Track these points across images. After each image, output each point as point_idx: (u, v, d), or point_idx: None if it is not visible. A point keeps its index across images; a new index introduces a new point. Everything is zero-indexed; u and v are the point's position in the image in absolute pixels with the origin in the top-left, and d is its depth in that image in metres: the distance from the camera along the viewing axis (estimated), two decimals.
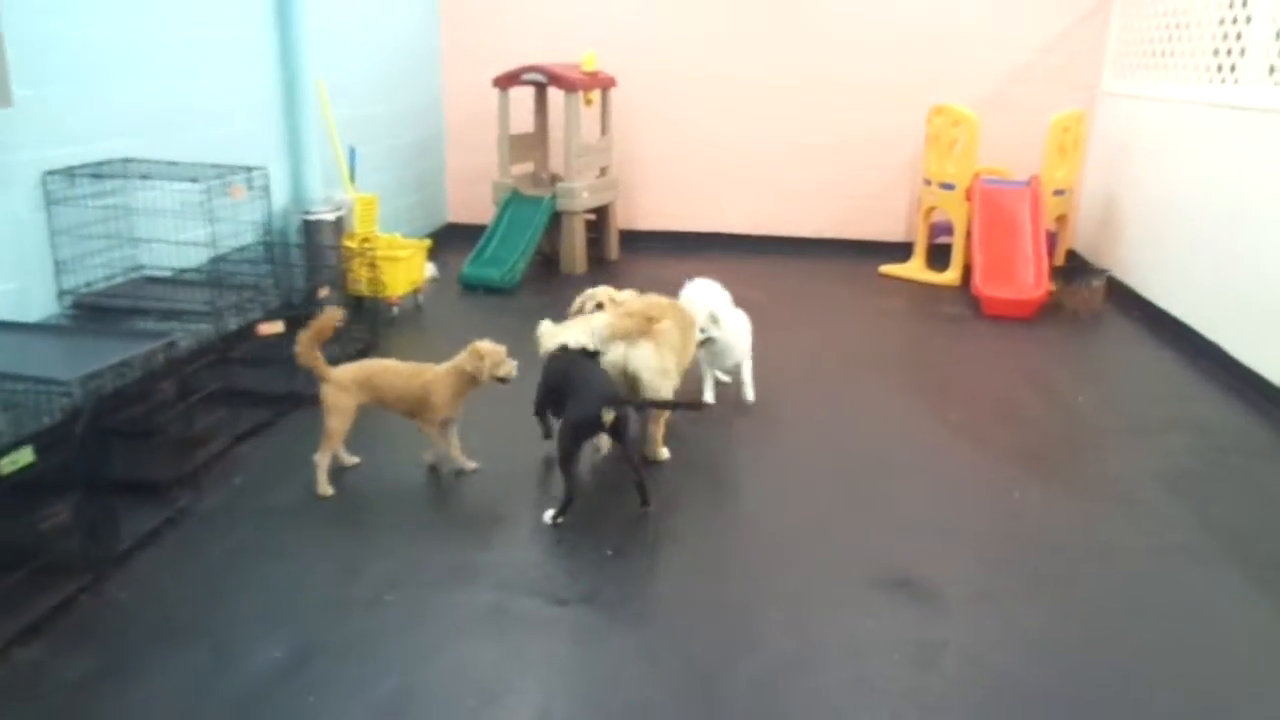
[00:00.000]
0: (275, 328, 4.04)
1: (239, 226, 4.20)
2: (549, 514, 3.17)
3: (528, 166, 7.04)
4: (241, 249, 4.31)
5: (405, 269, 5.48)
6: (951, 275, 6.50)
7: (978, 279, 5.95)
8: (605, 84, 6.79)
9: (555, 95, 6.72)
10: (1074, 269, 6.32)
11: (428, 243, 5.79)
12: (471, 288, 6.20)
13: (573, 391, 3.27)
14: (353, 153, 5.77)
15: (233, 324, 3.98)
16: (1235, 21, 5.09)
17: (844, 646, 2.57)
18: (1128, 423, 4.23)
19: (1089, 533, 3.23)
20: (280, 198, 5.07)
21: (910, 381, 4.68)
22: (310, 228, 5.10)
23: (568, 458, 3.18)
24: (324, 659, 2.46)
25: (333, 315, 3.32)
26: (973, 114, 6.22)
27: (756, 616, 2.70)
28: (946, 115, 6.40)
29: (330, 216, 5.14)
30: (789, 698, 2.36)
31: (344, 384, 3.33)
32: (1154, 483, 3.61)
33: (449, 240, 7.22)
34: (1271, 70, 4.70)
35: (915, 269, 6.75)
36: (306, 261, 5.08)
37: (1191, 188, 5.39)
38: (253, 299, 4.18)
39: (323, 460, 3.34)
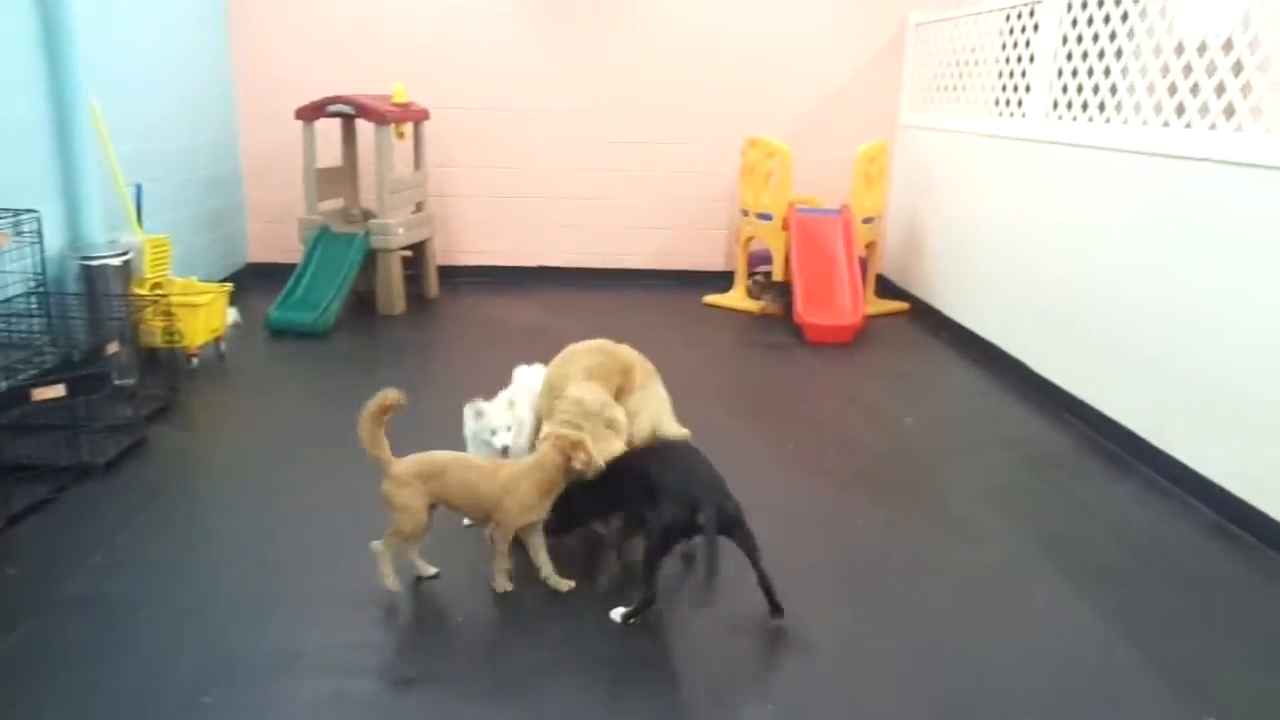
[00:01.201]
0: (53, 391, 3.56)
1: (5, 278, 3.71)
2: (619, 612, 2.78)
3: (337, 202, 6.68)
4: (7, 301, 3.80)
5: (205, 316, 5.03)
6: (774, 305, 6.63)
7: (799, 307, 6.09)
8: (417, 116, 6.54)
9: (364, 128, 6.42)
10: (768, 283, 6.66)
11: (229, 287, 5.34)
12: (280, 333, 5.77)
13: (664, 484, 2.78)
14: (139, 190, 5.27)
15: (1, 387, 3.50)
16: (1020, 60, 5.47)
17: (711, 700, 2.47)
18: (951, 442, 4.40)
19: (930, 554, 3.29)
20: (55, 242, 4.53)
21: (744, 412, 4.70)
22: (92, 274, 4.58)
23: (653, 565, 2.73)
24: None
25: (390, 396, 2.88)
26: (785, 146, 6.39)
27: (621, 675, 2.56)
28: (760, 148, 6.55)
29: (115, 261, 4.64)
30: None
31: (404, 479, 2.86)
32: (981, 500, 3.74)
33: (252, 282, 6.73)
34: (1055, 105, 5.07)
35: (737, 298, 6.85)
36: (89, 313, 4.56)
37: (987, 214, 5.74)
38: (25, 359, 3.69)
39: (386, 552, 2.88)
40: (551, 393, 3.30)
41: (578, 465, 2.82)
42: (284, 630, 2.69)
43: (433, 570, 2.99)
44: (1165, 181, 4.03)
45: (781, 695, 2.50)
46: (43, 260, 4.15)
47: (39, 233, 3.78)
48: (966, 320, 5.96)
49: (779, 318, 6.50)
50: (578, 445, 2.84)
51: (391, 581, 2.88)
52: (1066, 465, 4.13)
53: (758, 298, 6.68)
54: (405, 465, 2.89)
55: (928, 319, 6.48)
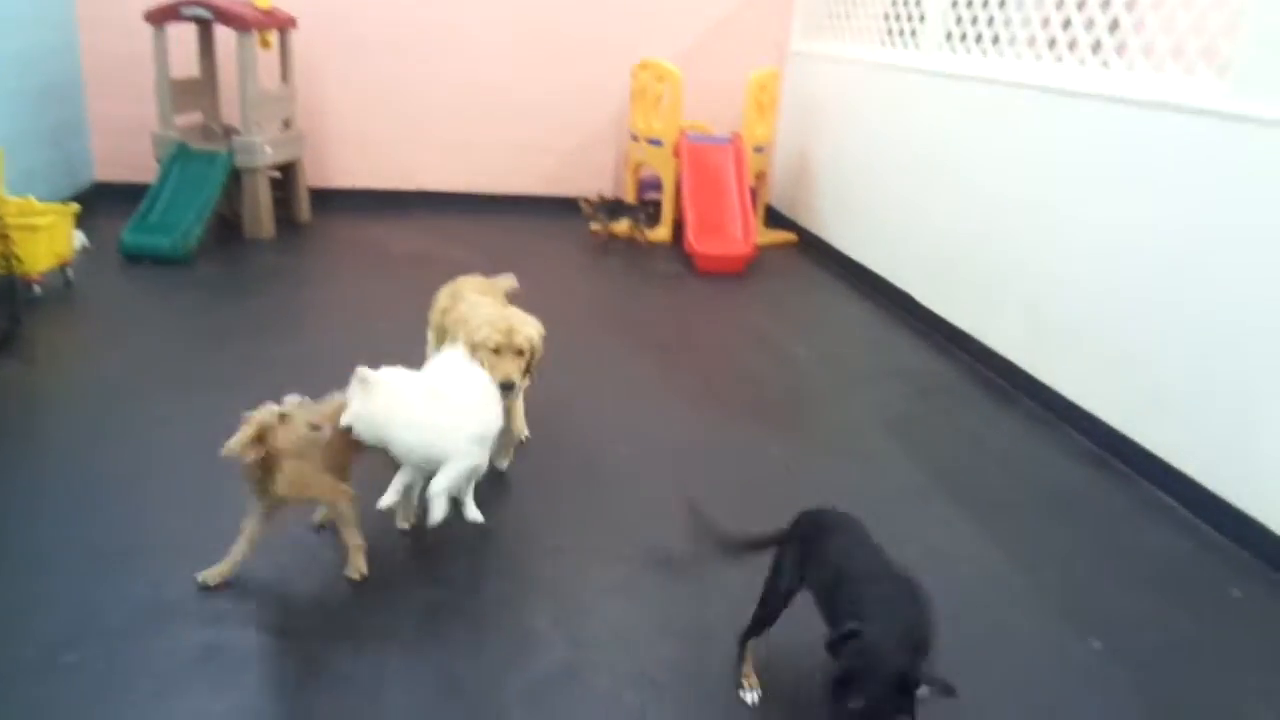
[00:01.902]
0: None
1: None
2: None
3: (195, 117, 6.16)
4: None
5: (47, 239, 4.56)
6: (663, 232, 6.52)
7: (690, 236, 6.00)
8: (284, 23, 6.05)
9: (225, 35, 5.89)
10: (616, 206, 6.56)
11: (74, 207, 4.86)
12: (135, 258, 5.32)
13: (860, 609, 1.89)
14: None
15: None
16: None
17: (616, 636, 2.40)
18: (844, 374, 4.42)
19: (833, 485, 3.30)
20: None
21: (638, 344, 4.60)
22: None
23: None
24: None
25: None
26: (676, 69, 6.22)
27: (520, 615, 2.46)
28: (651, 70, 6.36)
29: None
30: (566, 706, 2.15)
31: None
32: (876, 431, 3.77)
33: (100, 204, 6.17)
34: (949, 37, 5.06)
35: (626, 225, 6.70)
36: None
37: (876, 146, 5.74)
38: None
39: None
40: (445, 314, 3.15)
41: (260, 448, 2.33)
42: (148, 580, 2.47)
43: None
44: (1055, 118, 4.07)
45: (686, 630, 2.45)
46: None
47: None
48: (854, 253, 5.99)
49: (613, 239, 6.44)
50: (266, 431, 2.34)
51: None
52: (955, 396, 4.21)
53: (591, 217, 6.52)
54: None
55: (816, 251, 6.50)
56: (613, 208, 6.49)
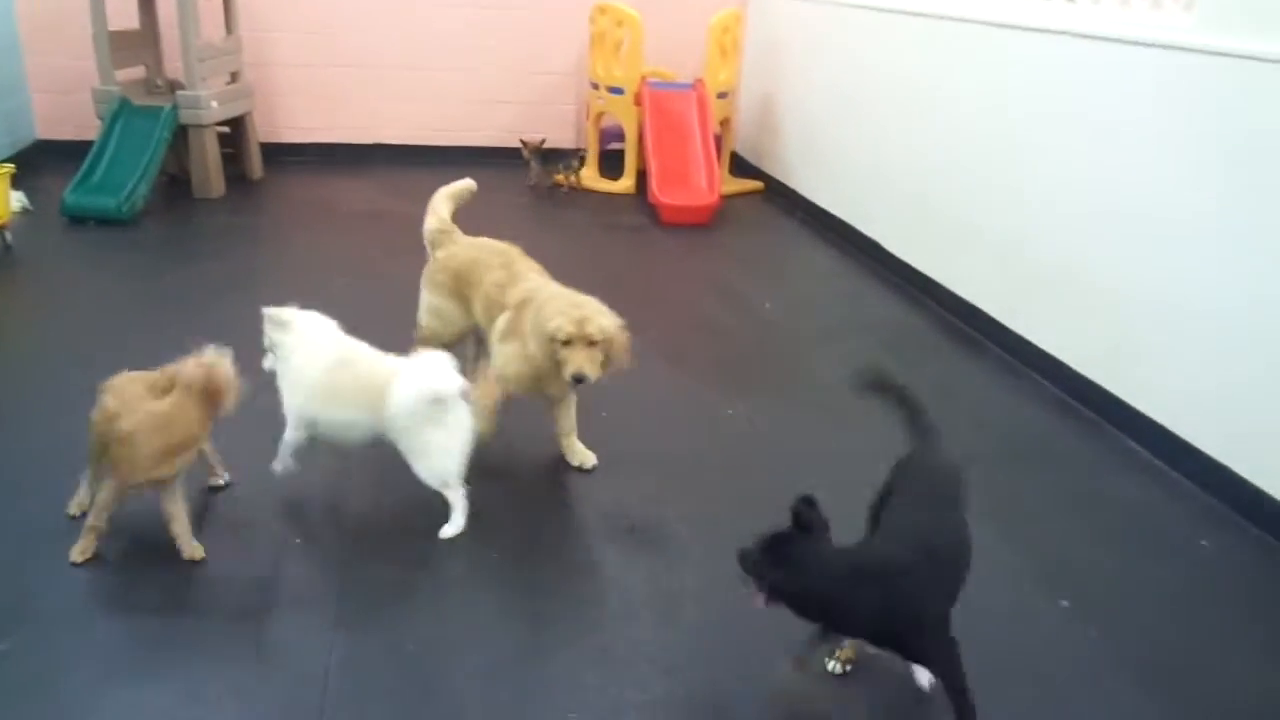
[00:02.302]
0: None
1: None
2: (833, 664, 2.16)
3: (138, 71, 5.91)
4: None
5: None
6: (626, 183, 6.38)
7: (654, 187, 5.86)
8: None
9: None
10: (550, 151, 6.47)
11: (9, 168, 4.65)
12: (79, 220, 5.11)
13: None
14: None
15: None
16: None
17: (579, 613, 2.34)
18: (812, 326, 4.34)
19: (799, 442, 3.24)
20: None
21: (602, 298, 4.48)
22: None
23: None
24: None
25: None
26: (635, 13, 6.03)
27: (480, 591, 2.39)
28: (610, 15, 6.16)
29: None
30: (527, 683, 2.09)
31: None
32: (845, 385, 3.70)
33: (42, 163, 5.93)
34: None
35: (589, 177, 6.55)
36: None
37: (840, 89, 5.61)
38: None
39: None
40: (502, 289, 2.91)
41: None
42: (92, 563, 2.36)
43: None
44: (1024, 55, 3.97)
45: (655, 600, 2.39)
46: None
47: None
48: (821, 200, 5.88)
49: (555, 187, 6.35)
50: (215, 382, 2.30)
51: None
52: (925, 346, 4.15)
53: (526, 162, 6.43)
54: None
55: (783, 198, 6.38)
56: (545, 155, 6.39)
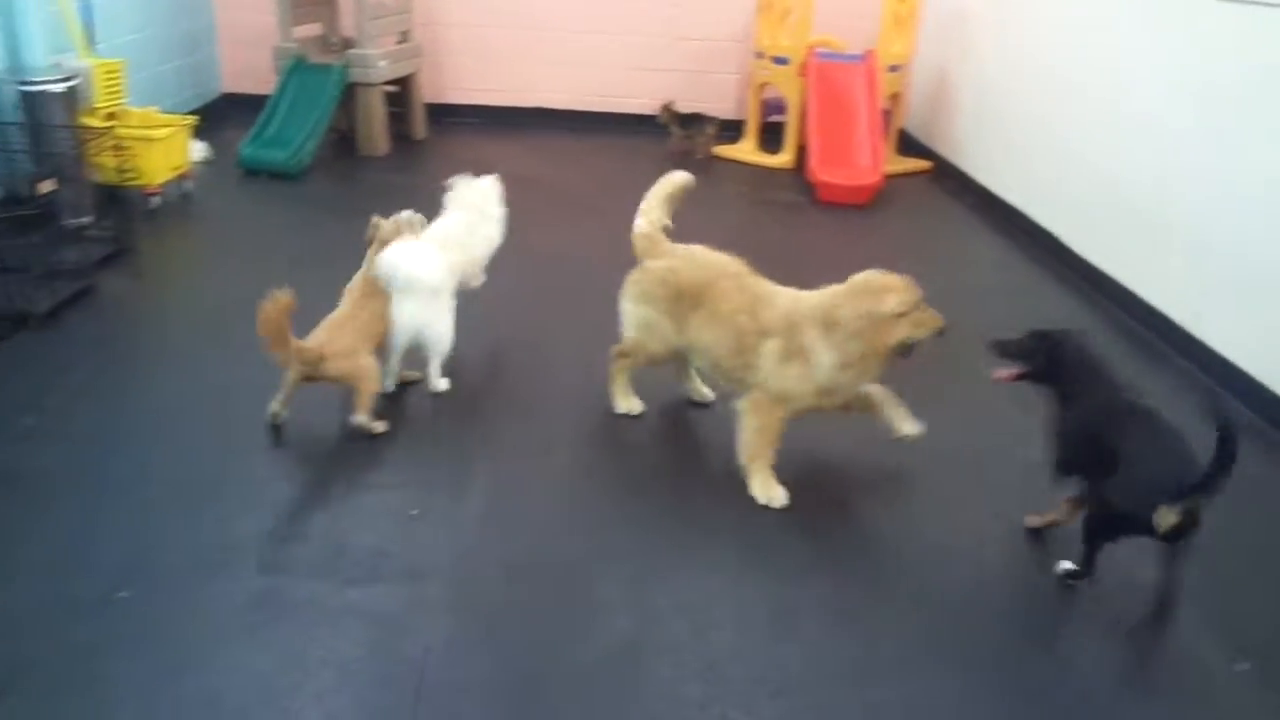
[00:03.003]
0: None
1: None
2: (1065, 565, 2.36)
3: (315, 28, 6.09)
4: None
5: (164, 151, 4.59)
6: (785, 158, 6.14)
7: (813, 163, 5.61)
8: None
9: None
10: (690, 116, 6.26)
11: (192, 119, 4.88)
12: (253, 172, 5.33)
13: (1123, 459, 2.19)
14: (87, 6, 4.73)
15: None
16: None
17: (684, 620, 2.22)
18: (974, 323, 3.98)
19: (957, 456, 2.99)
20: None
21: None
22: (32, 102, 4.13)
23: (1092, 546, 2.28)
24: (37, 684, 1.89)
25: (280, 303, 2.62)
26: None
27: (593, 584, 2.30)
28: None
29: (58, 88, 4.18)
30: (625, 689, 1.99)
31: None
32: (1014, 398, 3.39)
33: (226, 114, 6.23)
34: None
35: (747, 150, 6.34)
36: (32, 145, 4.14)
37: (1026, 67, 5.18)
38: None
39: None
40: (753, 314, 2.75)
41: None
42: (220, 517, 2.42)
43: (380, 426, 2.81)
44: (1242, 34, 3.51)
45: (759, 610, 2.25)
46: None
47: None
48: (995, 186, 5.48)
49: (698, 158, 6.12)
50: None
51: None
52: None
53: (667, 124, 6.28)
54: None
55: (952, 181, 5.99)
56: (687, 119, 6.25)
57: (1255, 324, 3.36)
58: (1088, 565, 2.29)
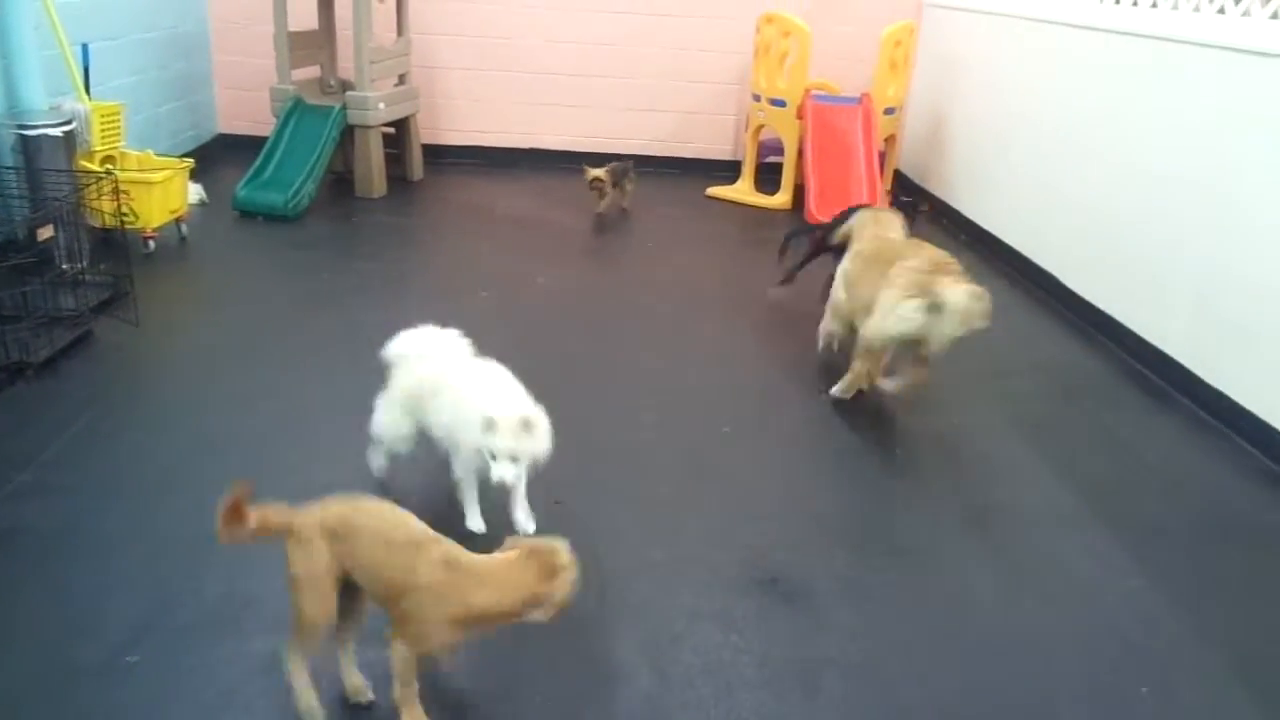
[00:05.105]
0: None
1: None
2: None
3: (313, 71, 6.10)
4: None
5: (161, 195, 4.55)
6: (782, 198, 6.17)
7: (811, 203, 5.64)
8: None
9: None
10: (618, 170, 5.77)
11: (189, 163, 4.85)
12: (249, 214, 5.31)
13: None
14: (85, 50, 4.72)
15: None
16: None
17: (710, 674, 2.16)
18: (974, 365, 4.00)
19: (954, 501, 2.96)
20: None
21: (747, 319, 4.31)
22: (29, 145, 4.10)
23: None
24: None
25: (238, 492, 1.82)
26: (804, 24, 5.81)
27: (610, 638, 2.25)
28: (777, 25, 5.96)
29: (56, 131, 4.15)
30: None
31: (304, 534, 1.85)
32: (1009, 434, 3.40)
33: (222, 155, 6.22)
34: None
35: (744, 191, 6.37)
36: (29, 189, 4.10)
37: (1018, 108, 5.23)
38: None
39: (297, 669, 1.87)
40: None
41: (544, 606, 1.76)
42: (229, 573, 2.35)
43: (368, 696, 1.98)
44: (1237, 83, 3.55)
45: (783, 666, 2.20)
46: None
47: None
48: (990, 225, 5.51)
49: (625, 207, 5.88)
50: (558, 572, 1.76)
51: (308, 702, 1.88)
52: (1104, 396, 3.78)
53: (600, 192, 5.67)
54: (307, 516, 1.88)
55: (948, 220, 6.03)
56: (618, 173, 5.77)
57: (1259, 363, 3.36)
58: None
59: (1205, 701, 2.20)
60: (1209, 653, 2.34)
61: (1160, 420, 3.59)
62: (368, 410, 2.68)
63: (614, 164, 5.77)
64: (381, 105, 5.73)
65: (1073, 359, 4.13)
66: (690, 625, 2.30)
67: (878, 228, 3.66)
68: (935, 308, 3.07)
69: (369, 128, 5.71)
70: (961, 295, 3.05)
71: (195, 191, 5.27)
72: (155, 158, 4.78)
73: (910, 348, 3.27)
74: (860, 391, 3.49)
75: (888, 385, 3.40)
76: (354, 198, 5.82)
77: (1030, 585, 2.58)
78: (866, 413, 3.47)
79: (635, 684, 2.10)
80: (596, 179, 5.62)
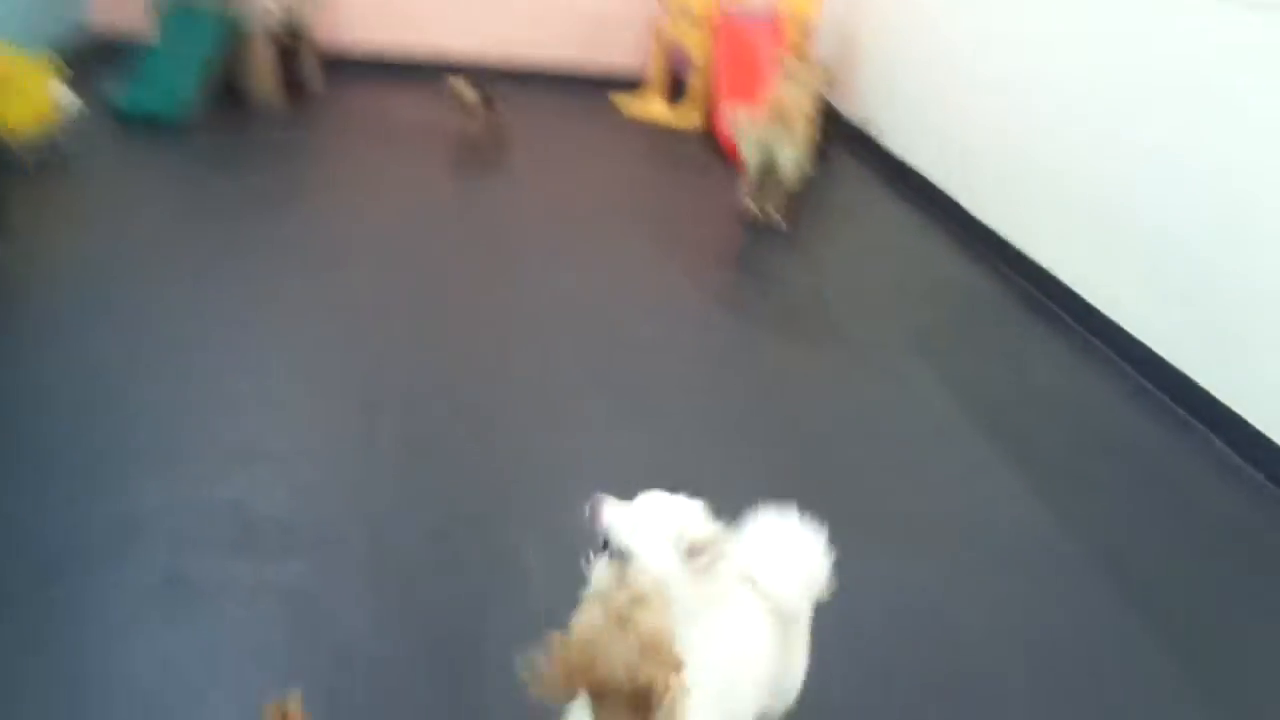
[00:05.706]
0: None
1: None
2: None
3: None
4: None
5: (19, 93, 4.18)
6: (694, 116, 6.08)
7: (721, 123, 5.56)
8: None
9: None
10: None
11: (57, 63, 4.48)
12: (130, 122, 4.97)
13: None
14: None
15: None
16: None
17: None
18: (877, 284, 4.10)
19: (862, 413, 3.04)
20: None
21: (658, 241, 4.27)
22: None
23: None
24: None
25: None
26: None
27: (519, 557, 2.25)
28: None
29: None
30: None
31: None
32: (910, 350, 3.49)
33: (99, 60, 5.77)
34: None
35: (656, 109, 6.25)
36: None
37: (927, 23, 5.23)
38: None
39: None
40: None
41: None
42: (120, 492, 2.26)
43: None
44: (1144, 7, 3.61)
45: None
46: None
47: None
48: (898, 149, 5.55)
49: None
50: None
51: None
52: (998, 316, 3.89)
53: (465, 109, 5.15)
54: None
55: (856, 144, 6.04)
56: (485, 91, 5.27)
57: (1147, 290, 3.49)
58: None
59: (1071, 587, 2.35)
60: (1073, 545, 2.48)
61: (1053, 343, 3.72)
62: (257, 331, 2.57)
63: (481, 82, 5.24)
64: (272, 7, 5.40)
65: (969, 280, 4.25)
66: None
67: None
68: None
69: (258, 32, 5.38)
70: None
71: (67, 95, 4.90)
72: (9, 52, 4.36)
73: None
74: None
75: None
76: (248, 111, 5.50)
77: (916, 486, 2.68)
78: (773, 319, 3.50)
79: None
80: (459, 95, 5.06)
